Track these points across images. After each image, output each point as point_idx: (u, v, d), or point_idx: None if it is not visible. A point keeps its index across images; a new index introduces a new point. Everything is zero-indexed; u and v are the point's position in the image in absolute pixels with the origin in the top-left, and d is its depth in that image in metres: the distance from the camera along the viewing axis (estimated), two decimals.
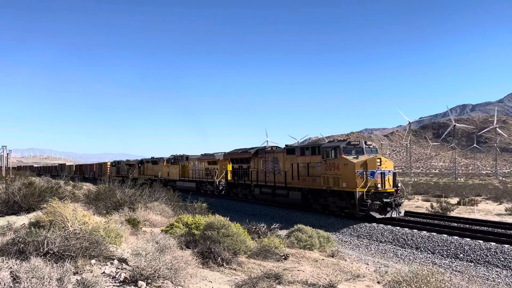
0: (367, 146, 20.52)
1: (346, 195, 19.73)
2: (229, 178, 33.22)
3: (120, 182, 18.17)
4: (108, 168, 68.25)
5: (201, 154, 41.01)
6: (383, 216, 18.59)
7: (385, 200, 18.65)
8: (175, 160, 45.02)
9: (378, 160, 19.15)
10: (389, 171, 19.42)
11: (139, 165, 55.99)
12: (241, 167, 30.84)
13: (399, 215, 19.05)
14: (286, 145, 28.19)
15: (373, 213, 18.43)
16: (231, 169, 33.12)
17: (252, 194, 29.44)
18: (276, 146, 29.31)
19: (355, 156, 19.73)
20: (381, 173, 18.97)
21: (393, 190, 19.15)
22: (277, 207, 27.10)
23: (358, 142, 20.64)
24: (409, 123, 72.94)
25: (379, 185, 18.76)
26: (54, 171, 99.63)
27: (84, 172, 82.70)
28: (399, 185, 19.81)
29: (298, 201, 23.84)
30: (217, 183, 35.15)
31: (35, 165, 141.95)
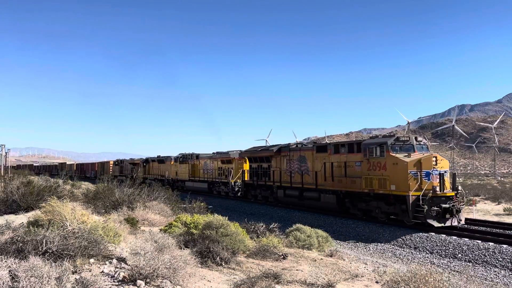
0: (417, 143, 17.88)
1: (395, 199, 17.27)
2: (246, 178, 30.65)
3: (120, 182, 18.06)
4: (111, 167, 66.30)
5: (213, 153, 38.70)
6: (442, 224, 16.16)
7: (443, 205, 16.12)
8: (183, 158, 42.48)
9: (434, 159, 16.62)
10: (445, 172, 16.90)
11: (144, 164, 53.86)
12: (261, 166, 28.21)
13: (459, 223, 16.56)
14: (314, 142, 27.14)
15: (431, 221, 16.04)
16: (248, 168, 30.57)
17: (274, 196, 26.59)
18: (302, 144, 26.40)
19: (406, 154, 17.16)
20: (439, 174, 16.54)
21: (453, 194, 16.68)
22: (276, 206, 26.69)
23: (408, 138, 17.96)
24: (408, 123, 72.96)
25: (437, 188, 16.28)
26: (54, 170, 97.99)
27: (85, 171, 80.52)
28: (459, 188, 17.31)
29: (332, 206, 21.09)
30: (232, 183, 32.45)
31: (35, 164, 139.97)
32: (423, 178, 16.40)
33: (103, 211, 12.85)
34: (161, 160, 49.06)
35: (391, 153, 17.40)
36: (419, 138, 18.32)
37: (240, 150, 33.88)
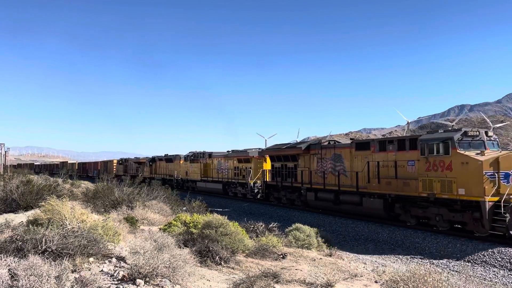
0: (488, 138, 15.43)
1: (464, 205, 14.76)
2: (267, 179, 27.79)
3: (119, 181, 17.95)
4: (115, 166, 64.15)
5: (228, 151, 35.73)
6: None
7: None
8: (194, 157, 39.76)
9: None
10: None
11: (151, 163, 51.41)
12: (285, 166, 25.51)
13: None
14: (352, 139, 22.76)
15: None
16: (270, 168, 27.89)
17: (302, 199, 23.90)
18: (335, 141, 23.52)
19: (478, 152, 14.65)
20: None
21: None
22: (275, 206, 26.38)
23: (477, 133, 15.30)
24: (408, 123, 72.94)
25: None
26: (56, 169, 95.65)
27: (88, 171, 78.10)
28: None
29: (377, 212, 18.36)
30: (251, 184, 29.52)
31: (35, 163, 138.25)
32: (502, 181, 13.74)
33: (103, 210, 12.85)
34: (169, 159, 46.67)
35: (458, 150, 14.78)
36: (490, 133, 15.75)
37: (260, 148, 31.67)
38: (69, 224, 7.55)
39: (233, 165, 32.68)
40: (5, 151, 57.77)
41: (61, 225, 7.48)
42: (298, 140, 33.41)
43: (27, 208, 12.53)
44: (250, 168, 30.16)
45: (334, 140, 23.71)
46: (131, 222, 10.99)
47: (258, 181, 29.35)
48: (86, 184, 27.32)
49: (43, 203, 8.89)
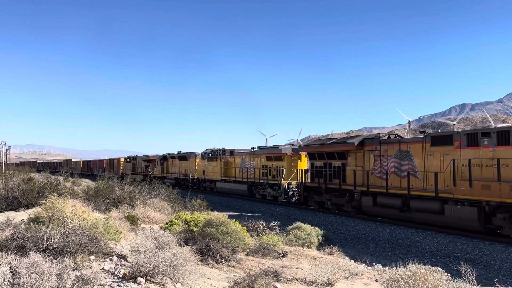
0: None
1: None
2: (305, 179, 24.39)
3: (118, 180, 17.91)
4: (122, 165, 60.96)
5: (253, 148, 32.13)
6: None
7: None
8: (213, 155, 36.20)
9: None
10: None
11: (162, 161, 48.06)
12: (330, 164, 22.26)
13: None
14: (422, 131, 19.04)
15: None
16: (308, 167, 24.93)
17: (355, 205, 20.24)
18: (395, 135, 20.85)
19: None
20: None
21: None
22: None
23: None
24: (409, 122, 72.86)
25: None
26: (59, 167, 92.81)
27: (93, 169, 74.88)
28: None
29: (469, 222, 14.90)
30: (285, 186, 25.74)
31: (38, 161, 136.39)
32: None
33: (104, 208, 12.88)
34: (183, 156, 43.21)
35: None
36: None
37: (292, 144, 30.27)
38: (70, 222, 7.57)
39: (261, 163, 29.19)
40: (6, 149, 57.81)
41: (62, 223, 7.49)
42: (300, 139, 32.68)
43: (28, 206, 12.56)
44: (282, 167, 26.46)
45: (395, 134, 20.89)
46: (132, 220, 11.01)
47: (293, 183, 25.70)
48: (87, 182, 27.36)
49: (44, 201, 8.90)
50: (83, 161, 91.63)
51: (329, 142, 23.04)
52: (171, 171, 45.58)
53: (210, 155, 36.62)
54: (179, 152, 45.19)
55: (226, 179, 33.52)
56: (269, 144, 41.97)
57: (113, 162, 66.40)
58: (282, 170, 26.15)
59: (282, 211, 24.51)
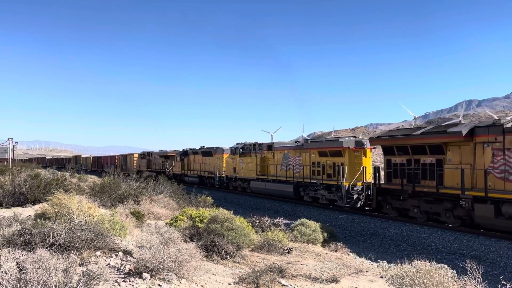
0: None
1: None
2: (379, 180, 19.58)
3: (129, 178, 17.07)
4: (135, 161, 57.15)
5: (296, 141, 28.01)
6: None
7: None
8: (246, 149, 31.46)
9: None
10: None
11: (182, 157, 43.83)
12: (416, 161, 17.68)
13: None
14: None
15: None
16: (384, 164, 19.72)
17: (462, 215, 15.66)
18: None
19: None
20: None
21: None
22: (281, 200, 26.14)
23: None
24: (415, 118, 72.47)
25: None
26: (68, 163, 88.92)
27: (104, 165, 69.82)
28: None
29: None
30: (347, 187, 20.61)
31: (47, 157, 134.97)
32: None
33: (110, 204, 12.95)
34: (207, 152, 39.01)
35: None
36: None
37: (354, 136, 23.91)
38: (76, 218, 7.62)
39: (311, 159, 24.01)
40: (13, 145, 58.18)
41: (68, 219, 7.54)
42: (305, 136, 30.06)
43: (35, 202, 12.65)
44: (343, 164, 21.42)
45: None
46: (138, 216, 11.06)
47: (358, 183, 20.74)
48: (93, 178, 27.50)
49: (50, 197, 8.97)
50: (93, 157, 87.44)
51: (418, 132, 17.74)
52: (194, 168, 41.49)
53: (242, 150, 31.77)
54: (202, 147, 41.04)
55: (264, 177, 28.41)
56: (275, 140, 40.01)
57: (125, 158, 62.62)
58: (343, 168, 21.13)
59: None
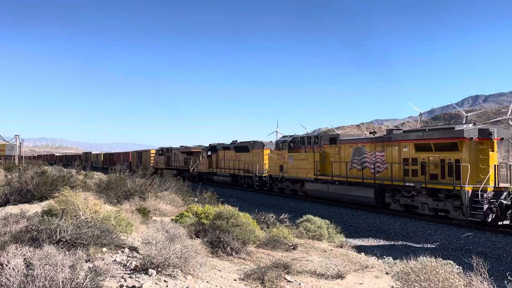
0: None
1: None
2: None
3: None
4: (152, 158, 52.88)
5: (374, 132, 23.74)
6: None
7: None
8: (296, 143, 25.96)
9: None
10: None
11: (209, 153, 38.81)
12: None
13: None
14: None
15: None
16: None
17: None
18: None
19: None
20: None
21: None
22: (286, 197, 26.26)
23: None
24: (420, 114, 72.01)
25: None
26: (78, 160, 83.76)
27: (116, 162, 62.55)
28: None
29: None
30: (472, 195, 15.16)
31: (56, 154, 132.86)
32: None
33: (115, 201, 13.01)
34: (242, 147, 33.70)
35: None
36: None
37: (472, 123, 17.14)
38: (82, 215, 7.66)
39: (402, 155, 18.53)
40: (20, 143, 58.53)
41: (74, 216, 7.59)
42: (309, 132, 30.25)
43: (41, 198, 12.73)
44: (458, 160, 15.91)
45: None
46: (143, 213, 11.11)
47: (488, 189, 15.11)
48: (99, 175, 27.63)
49: (57, 194, 9.03)
50: (104, 154, 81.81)
51: None
52: (224, 165, 36.26)
53: (293, 144, 26.19)
54: (234, 141, 35.95)
55: (326, 178, 22.85)
56: (279, 136, 37.92)
57: (141, 154, 57.59)
58: (462, 167, 15.40)
59: (292, 204, 22.78)
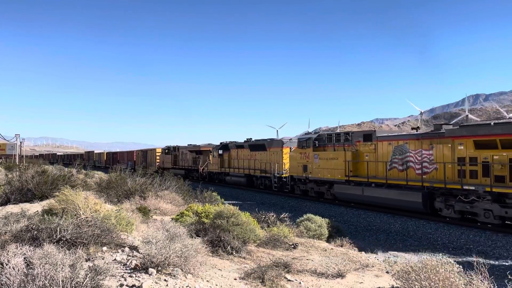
0: None
1: None
2: None
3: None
4: (158, 156, 51.11)
5: (418, 127, 21.37)
6: None
7: None
8: (322, 140, 23.76)
9: None
10: None
11: (220, 152, 36.63)
12: None
13: None
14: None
15: None
16: None
17: None
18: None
19: None
20: None
21: None
22: (286, 196, 26.14)
23: None
24: (421, 113, 71.99)
25: None
26: (80, 159, 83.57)
27: (120, 161, 62.35)
28: None
29: None
30: None
31: (58, 153, 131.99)
32: None
33: (116, 200, 13.01)
34: (258, 145, 31.39)
35: None
36: None
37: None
38: (82, 214, 7.66)
39: (456, 153, 16.30)
40: (21, 142, 58.56)
41: (75, 215, 7.59)
42: (310, 131, 29.88)
43: (42, 198, 12.73)
44: None
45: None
46: (144, 212, 11.11)
47: None
48: (99, 174, 27.65)
49: (57, 193, 9.03)
50: (107, 153, 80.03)
51: None
52: (238, 165, 33.80)
53: (318, 142, 23.98)
54: (249, 139, 33.90)
55: (359, 180, 20.52)
56: (280, 137, 37.26)
57: (146, 153, 55.71)
58: None
59: (293, 203, 22.93)
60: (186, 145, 46.57)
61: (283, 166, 27.79)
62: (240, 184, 32.96)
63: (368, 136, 20.78)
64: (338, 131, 24.76)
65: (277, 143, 29.43)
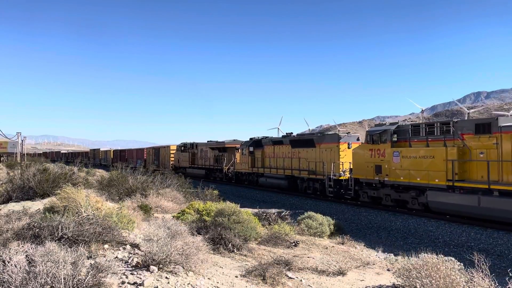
0: None
1: None
2: None
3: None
4: (172, 154, 46.61)
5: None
6: None
7: None
8: (402, 133, 18.28)
9: None
10: None
11: (251, 149, 31.23)
12: None
13: None
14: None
15: None
16: None
17: None
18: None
19: None
20: None
21: None
22: (288, 194, 26.51)
23: None
24: (422, 110, 71.80)
25: None
26: (86, 157, 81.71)
27: (128, 160, 57.36)
28: None
29: None
30: None
31: (62, 151, 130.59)
32: None
33: (117, 198, 13.04)
34: (302, 140, 26.07)
35: None
36: None
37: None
38: (84, 212, 7.68)
39: None
40: (22, 140, 58.64)
41: (76, 213, 7.61)
42: (310, 129, 29.34)
43: (43, 195, 12.76)
44: None
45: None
46: (145, 210, 11.13)
47: None
48: (100, 172, 27.67)
49: (59, 191, 9.05)
50: (114, 151, 74.58)
51: None
52: (276, 164, 28.34)
53: (398, 135, 18.50)
54: (289, 134, 28.84)
55: (469, 186, 15.04)
56: (281, 134, 35.22)
57: (158, 151, 51.17)
58: None
59: (295, 200, 23.03)
60: (206, 141, 41.48)
61: (341, 166, 22.33)
62: (280, 187, 27.77)
63: (484, 127, 15.06)
64: (429, 121, 18.62)
65: (331, 138, 23.85)
